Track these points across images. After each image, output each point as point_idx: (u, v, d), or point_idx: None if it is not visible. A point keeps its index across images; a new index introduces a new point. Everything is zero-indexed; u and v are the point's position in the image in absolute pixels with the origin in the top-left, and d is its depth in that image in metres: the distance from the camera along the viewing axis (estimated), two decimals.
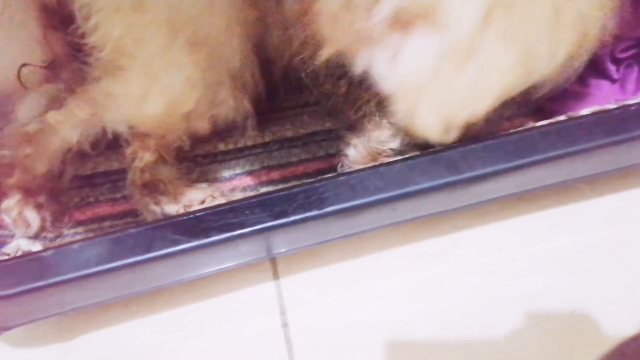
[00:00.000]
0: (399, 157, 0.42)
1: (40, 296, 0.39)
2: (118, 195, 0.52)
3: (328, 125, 0.57)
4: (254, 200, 0.41)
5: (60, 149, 0.49)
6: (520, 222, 0.52)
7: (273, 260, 0.51)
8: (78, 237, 0.50)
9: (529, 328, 0.47)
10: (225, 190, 0.53)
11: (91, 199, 0.53)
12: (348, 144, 0.50)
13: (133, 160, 0.51)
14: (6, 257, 0.42)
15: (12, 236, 0.49)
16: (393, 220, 0.44)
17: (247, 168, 0.55)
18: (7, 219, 0.47)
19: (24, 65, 0.49)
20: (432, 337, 0.47)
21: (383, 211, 0.41)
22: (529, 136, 0.43)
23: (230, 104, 0.48)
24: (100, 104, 0.47)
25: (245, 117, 0.51)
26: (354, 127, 0.52)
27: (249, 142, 0.57)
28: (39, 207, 0.48)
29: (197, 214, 0.40)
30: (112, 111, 0.47)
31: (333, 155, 0.54)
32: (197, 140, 0.53)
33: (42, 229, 0.47)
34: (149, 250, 0.39)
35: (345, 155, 0.51)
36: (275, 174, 0.54)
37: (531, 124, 0.46)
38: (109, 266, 0.39)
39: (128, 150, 0.51)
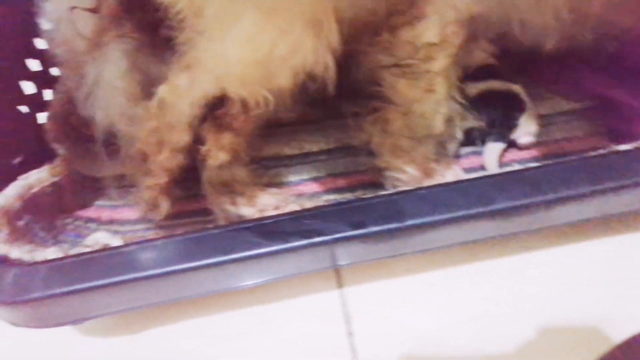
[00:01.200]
0: (480, 175, 0.42)
1: (122, 290, 0.40)
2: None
3: None
4: (332, 208, 0.41)
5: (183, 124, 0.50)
6: (591, 246, 0.50)
7: (337, 269, 0.51)
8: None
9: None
10: (293, 196, 0.53)
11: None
12: (395, 169, 0.50)
13: (206, 159, 0.52)
14: (89, 250, 0.43)
15: (87, 228, 0.51)
16: (471, 237, 0.43)
17: (314, 174, 0.56)
18: (139, 199, 0.50)
19: (73, 7, 0.48)
20: (495, 354, 0.46)
21: (463, 228, 0.41)
22: (614, 159, 0.42)
23: (308, 49, 0.46)
24: (192, 69, 0.47)
25: (325, 69, 0.48)
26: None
27: (314, 148, 0.58)
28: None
29: (278, 219, 0.41)
30: (204, 73, 0.47)
31: None
32: (281, 101, 0.50)
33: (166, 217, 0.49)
34: (230, 252, 0.39)
35: (397, 179, 0.50)
36: (341, 182, 0.55)
37: (614, 147, 0.45)
38: (190, 265, 0.39)
39: (202, 149, 0.52)
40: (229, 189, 0.51)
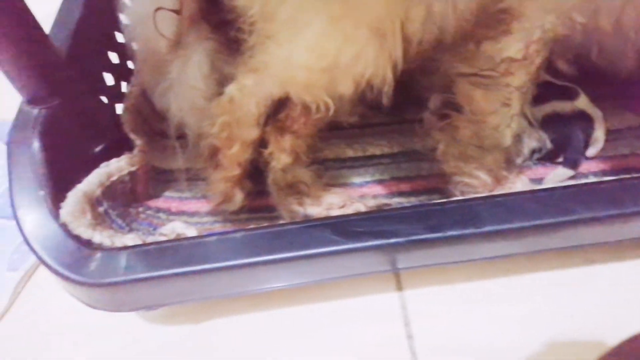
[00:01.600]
0: (559, 185, 0.42)
1: (200, 279, 0.41)
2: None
3: None
4: (408, 210, 0.42)
5: (251, 120, 0.52)
6: None
7: (397, 271, 0.52)
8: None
9: None
10: (356, 197, 0.54)
11: None
12: (466, 174, 0.50)
13: (269, 161, 0.53)
14: (165, 238, 0.45)
15: (158, 217, 0.52)
16: (543, 247, 0.43)
17: (377, 177, 0.56)
18: (212, 191, 0.52)
19: (158, 8, 0.51)
20: None
21: (538, 237, 0.41)
22: None
23: (369, 59, 0.46)
24: (259, 72, 0.49)
25: (383, 81, 0.48)
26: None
27: (377, 151, 0.58)
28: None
29: (353, 217, 0.41)
30: (270, 76, 0.49)
31: None
32: (341, 106, 0.52)
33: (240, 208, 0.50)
34: (306, 247, 0.40)
35: (467, 184, 0.50)
36: (405, 186, 0.55)
37: None
38: (269, 258, 0.40)
39: (266, 152, 0.53)
40: (295, 189, 0.52)
